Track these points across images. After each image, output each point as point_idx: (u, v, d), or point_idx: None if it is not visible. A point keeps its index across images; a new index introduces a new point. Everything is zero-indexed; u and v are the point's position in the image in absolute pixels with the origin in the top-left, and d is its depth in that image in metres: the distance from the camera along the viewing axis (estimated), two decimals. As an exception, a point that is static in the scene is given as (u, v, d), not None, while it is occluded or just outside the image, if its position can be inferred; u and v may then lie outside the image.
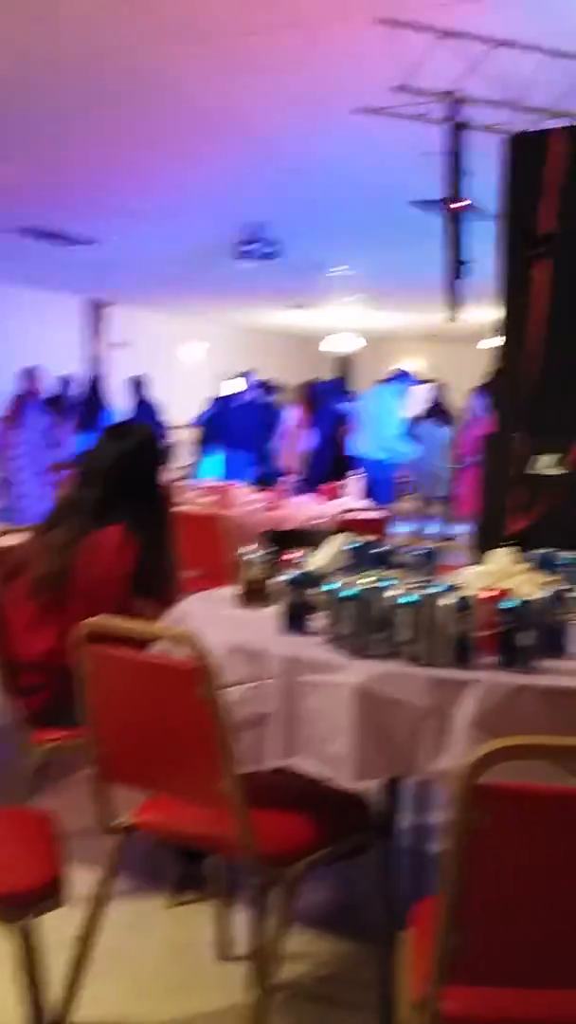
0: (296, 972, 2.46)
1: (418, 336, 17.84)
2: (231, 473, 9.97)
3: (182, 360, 16.24)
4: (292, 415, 10.62)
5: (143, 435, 3.04)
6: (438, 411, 12.42)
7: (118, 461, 2.92)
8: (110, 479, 2.89)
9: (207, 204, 8.31)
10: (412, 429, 12.29)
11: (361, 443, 8.86)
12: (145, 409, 11.04)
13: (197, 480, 7.97)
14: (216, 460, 10.77)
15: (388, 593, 2.19)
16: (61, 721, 2.73)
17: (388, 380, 9.08)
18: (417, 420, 12.33)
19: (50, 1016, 2.13)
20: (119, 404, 11.01)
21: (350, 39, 4.75)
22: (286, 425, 10.57)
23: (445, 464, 11.58)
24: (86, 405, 10.87)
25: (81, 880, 2.15)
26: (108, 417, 9.98)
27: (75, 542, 2.80)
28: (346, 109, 5.54)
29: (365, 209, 8.24)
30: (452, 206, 4.77)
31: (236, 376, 11.25)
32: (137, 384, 11.37)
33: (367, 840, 2.22)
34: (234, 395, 11.04)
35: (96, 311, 15.15)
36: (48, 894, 1.83)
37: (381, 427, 8.79)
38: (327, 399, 9.94)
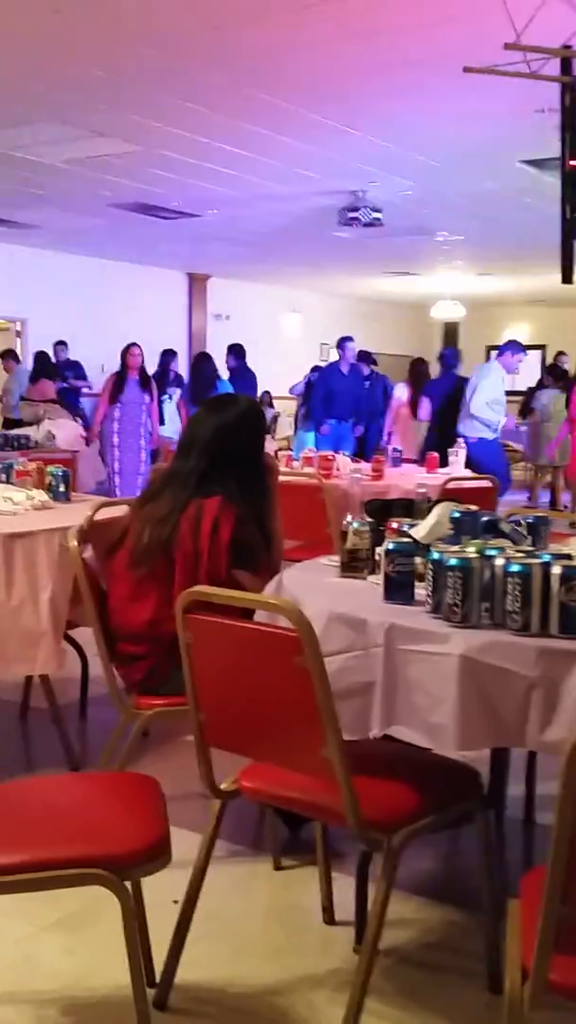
0: (401, 938, 2.46)
1: (525, 300, 17.46)
2: (330, 443, 9.94)
3: (284, 330, 16.24)
4: (402, 390, 10.47)
5: (243, 407, 3.03)
6: (554, 376, 12.14)
7: (217, 433, 2.93)
8: (209, 451, 2.90)
9: (311, 173, 8.26)
10: (527, 398, 12.07)
11: (469, 414, 8.73)
12: (242, 377, 11.05)
13: (299, 450, 7.96)
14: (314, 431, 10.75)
15: (495, 562, 2.16)
16: (163, 689, 2.78)
17: (499, 351, 8.88)
18: (532, 389, 12.11)
19: (155, 977, 2.19)
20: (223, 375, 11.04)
21: (456, -3, 4.64)
22: (395, 400, 10.45)
23: (556, 431, 11.34)
24: (193, 378, 10.93)
25: (185, 844, 2.19)
26: (217, 390, 9.98)
27: (175, 514, 2.83)
28: (453, 70, 5.42)
29: (473, 171, 8.08)
30: (570, 163, 4.60)
31: (335, 344, 11.17)
32: (235, 353, 11.38)
33: (474, 809, 2.20)
34: (332, 364, 10.96)
35: (198, 284, 15.25)
36: (153, 855, 1.87)
37: (486, 397, 8.62)
38: (441, 367, 9.78)
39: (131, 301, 13.57)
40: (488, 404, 8.59)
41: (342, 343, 10.63)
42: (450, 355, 10.02)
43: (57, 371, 11.37)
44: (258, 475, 3.01)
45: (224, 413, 2.99)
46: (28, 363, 12.60)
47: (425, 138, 7.17)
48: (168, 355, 10.96)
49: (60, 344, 12.10)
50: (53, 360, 11.67)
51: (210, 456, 2.90)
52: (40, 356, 11.40)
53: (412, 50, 5.37)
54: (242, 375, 11.05)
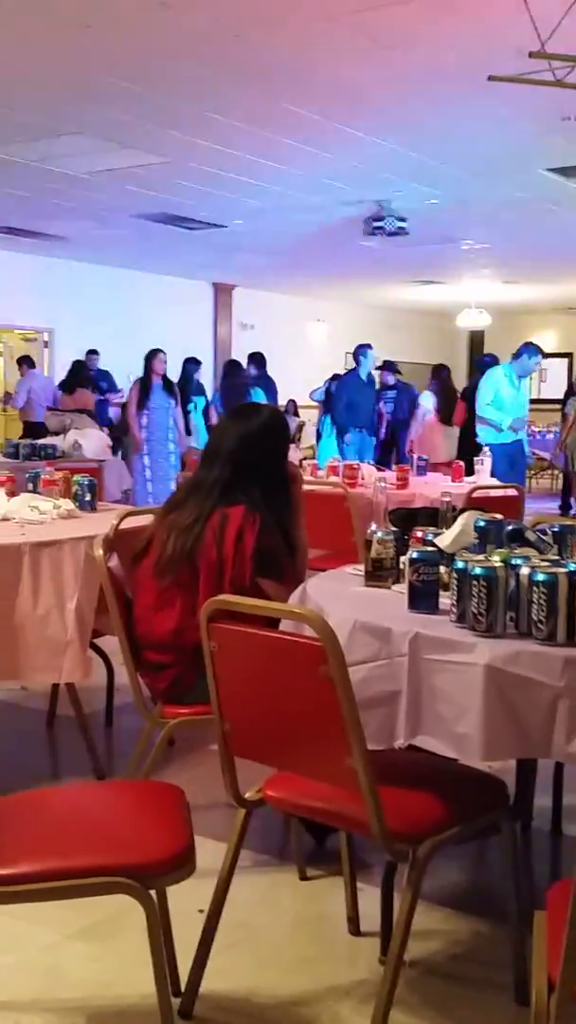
0: (427, 949, 2.45)
1: (552, 308, 17.40)
2: (353, 452, 9.93)
3: (309, 340, 16.27)
4: (428, 399, 10.47)
5: (266, 417, 3.04)
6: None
7: (240, 442, 2.94)
8: (233, 460, 2.91)
9: (336, 182, 8.29)
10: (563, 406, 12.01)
11: (488, 421, 8.72)
12: (263, 386, 11.04)
13: (323, 459, 7.97)
14: (333, 439, 10.74)
15: (521, 572, 2.15)
16: (188, 698, 2.78)
17: (515, 354, 8.85)
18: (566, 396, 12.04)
19: (180, 986, 2.18)
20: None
21: (481, 7, 4.64)
22: (421, 409, 10.44)
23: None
24: (225, 387, 10.94)
25: (209, 853, 2.19)
26: (250, 397, 9.99)
27: (199, 523, 2.83)
28: (478, 79, 5.42)
29: (499, 179, 8.07)
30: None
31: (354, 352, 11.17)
32: (256, 362, 11.37)
33: (501, 820, 2.19)
34: (352, 372, 10.95)
35: (224, 294, 15.31)
36: (178, 864, 1.87)
37: (486, 398, 8.60)
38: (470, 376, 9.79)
39: (157, 311, 13.64)
40: (488, 405, 8.58)
41: (362, 351, 10.60)
42: (489, 361, 10.01)
43: (91, 380, 11.42)
44: (282, 484, 3.01)
45: (247, 422, 3.00)
46: (56, 372, 12.70)
47: (450, 147, 7.17)
48: (191, 364, 10.99)
49: (92, 353, 12.15)
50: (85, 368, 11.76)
51: (234, 465, 2.91)
52: (76, 366, 11.45)
53: (437, 59, 5.38)
54: (263, 384, 11.06)
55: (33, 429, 10.54)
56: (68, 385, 11.11)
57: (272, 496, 2.92)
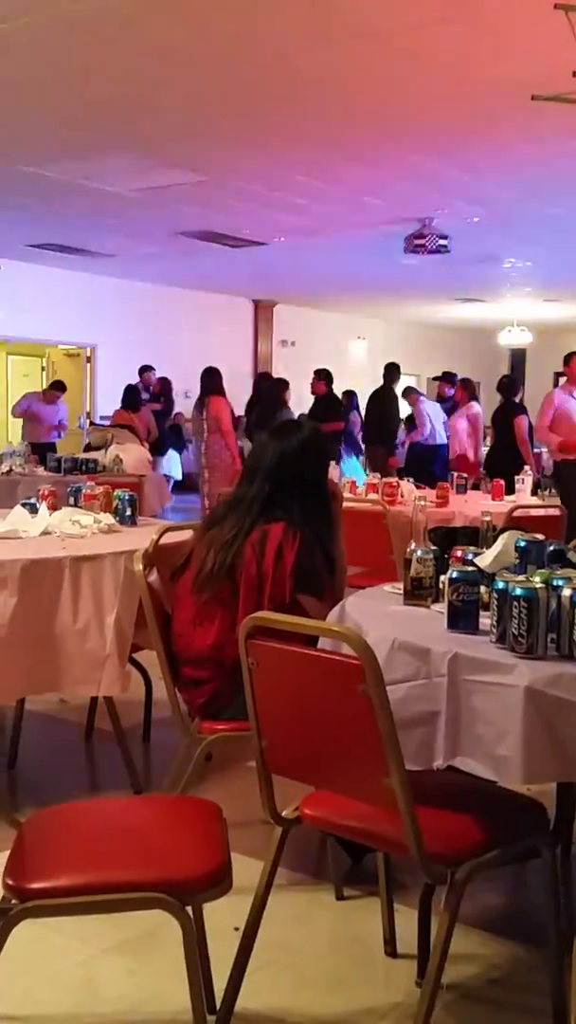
0: (464, 973, 2.42)
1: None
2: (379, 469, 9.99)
3: (350, 357, 16.28)
4: (461, 412, 10.49)
5: (306, 434, 3.04)
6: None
7: (279, 459, 2.95)
8: (272, 477, 2.92)
9: (378, 200, 8.31)
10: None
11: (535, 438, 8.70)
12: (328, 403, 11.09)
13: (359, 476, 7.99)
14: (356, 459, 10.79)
15: (562, 593, 2.13)
16: (226, 714, 2.79)
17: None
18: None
19: (215, 1004, 2.18)
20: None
21: (526, 26, 4.64)
22: (454, 422, 10.45)
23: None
24: (263, 404, 10.99)
25: (246, 870, 2.19)
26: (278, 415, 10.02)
27: (239, 539, 2.84)
28: (521, 98, 5.42)
29: (541, 197, 8.05)
30: None
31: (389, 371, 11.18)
32: (326, 379, 11.39)
33: (540, 844, 2.16)
34: (382, 389, 11.01)
35: (264, 311, 15.38)
36: (215, 881, 1.87)
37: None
38: (504, 393, 9.72)
39: (198, 328, 13.74)
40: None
41: (388, 372, 10.77)
42: (513, 380, 10.05)
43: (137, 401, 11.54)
44: (321, 501, 3.01)
45: (287, 439, 3.01)
46: (98, 388, 12.82)
47: (493, 165, 7.17)
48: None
49: (148, 369, 12.22)
50: (141, 386, 11.91)
51: (273, 482, 2.92)
52: (129, 389, 11.58)
53: (480, 78, 5.38)
54: (328, 401, 11.11)
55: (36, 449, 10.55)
56: (132, 403, 11.21)
57: (311, 513, 2.92)
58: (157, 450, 11.35)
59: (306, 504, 2.91)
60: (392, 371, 10.87)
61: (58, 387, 11.56)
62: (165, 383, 12.31)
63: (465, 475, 6.89)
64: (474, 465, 9.90)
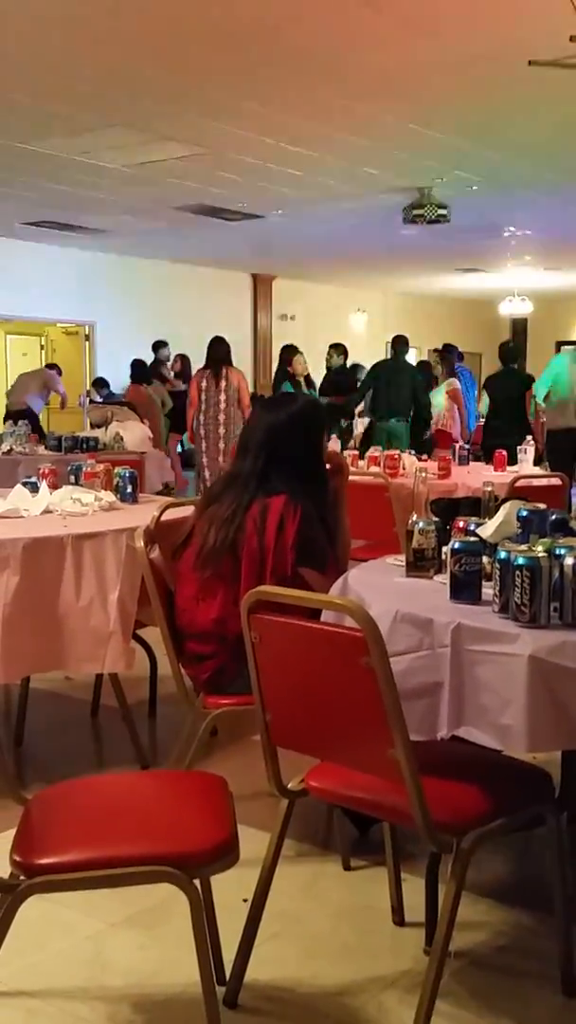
0: (472, 940, 2.44)
1: (595, 296, 17.21)
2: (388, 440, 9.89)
3: (350, 330, 16.21)
4: (440, 387, 10.41)
5: (296, 407, 3.03)
6: None
7: (269, 433, 2.94)
8: (263, 451, 2.91)
9: (376, 171, 8.24)
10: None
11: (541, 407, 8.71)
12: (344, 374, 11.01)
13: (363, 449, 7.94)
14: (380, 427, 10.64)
15: (565, 561, 2.13)
16: (230, 688, 2.79)
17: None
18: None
19: (225, 975, 2.19)
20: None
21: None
22: (451, 391, 10.36)
23: None
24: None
25: (252, 843, 2.19)
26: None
27: (238, 514, 2.84)
28: (518, 64, 5.36)
29: (540, 165, 7.98)
30: None
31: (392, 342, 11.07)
32: (344, 352, 11.31)
33: (546, 812, 2.17)
34: (387, 362, 10.91)
35: (263, 285, 15.30)
36: (222, 854, 1.87)
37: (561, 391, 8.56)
38: (506, 361, 9.64)
39: (197, 303, 13.68)
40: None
41: (394, 342, 10.65)
42: (513, 349, 9.96)
43: (149, 375, 11.51)
44: (316, 474, 3.00)
45: (276, 413, 3.00)
46: (97, 365, 12.78)
47: (491, 133, 7.10)
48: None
49: (162, 344, 12.17)
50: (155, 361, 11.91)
51: (265, 456, 2.91)
52: (139, 363, 11.55)
53: (477, 45, 5.32)
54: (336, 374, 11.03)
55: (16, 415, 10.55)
56: (142, 376, 11.15)
57: (307, 486, 2.91)
58: (177, 428, 11.25)
59: (301, 477, 2.90)
60: (400, 343, 10.61)
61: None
62: (185, 361, 12.24)
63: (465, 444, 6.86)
64: (455, 441, 9.79)
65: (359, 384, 10.47)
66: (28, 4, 4.81)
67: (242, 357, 13.07)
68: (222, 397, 8.93)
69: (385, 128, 6.99)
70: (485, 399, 9.81)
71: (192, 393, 9.17)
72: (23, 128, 7.07)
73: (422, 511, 2.71)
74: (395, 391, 9.62)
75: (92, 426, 9.27)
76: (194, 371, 9.70)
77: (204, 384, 9.00)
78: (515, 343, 10.26)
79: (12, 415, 10.59)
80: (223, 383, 8.91)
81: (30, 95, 6.30)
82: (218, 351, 9.05)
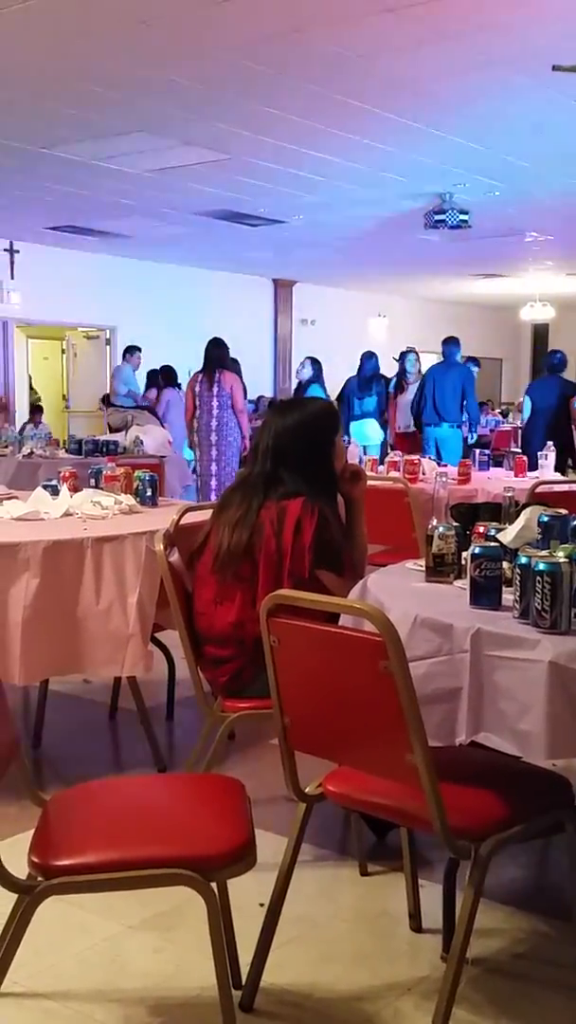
0: (490, 947, 2.43)
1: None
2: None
3: (371, 335, 16.20)
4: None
5: (306, 411, 3.03)
6: None
7: (277, 438, 2.94)
8: (272, 455, 2.92)
9: (397, 176, 8.24)
10: None
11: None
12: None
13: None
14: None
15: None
16: (248, 692, 2.79)
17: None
18: None
19: (241, 979, 2.19)
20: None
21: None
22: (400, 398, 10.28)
23: None
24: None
25: (269, 847, 2.19)
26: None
27: (249, 517, 2.84)
28: (541, 69, 5.35)
29: (562, 170, 7.96)
30: None
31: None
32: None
33: (565, 819, 2.16)
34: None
35: (284, 290, 15.32)
36: (239, 857, 1.87)
37: None
38: (556, 370, 9.60)
39: (218, 308, 13.70)
40: None
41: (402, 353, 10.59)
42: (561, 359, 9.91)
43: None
44: (326, 477, 2.99)
45: (285, 417, 3.00)
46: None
47: (513, 138, 7.09)
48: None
49: (135, 349, 12.23)
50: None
51: (273, 460, 2.91)
52: (167, 368, 11.63)
53: (499, 50, 5.31)
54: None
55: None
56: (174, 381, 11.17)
57: (318, 489, 2.90)
58: None
59: (311, 480, 2.90)
60: (451, 342, 10.37)
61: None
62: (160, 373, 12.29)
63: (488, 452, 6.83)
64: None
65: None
66: (54, 12, 4.83)
67: (262, 361, 13.11)
68: (215, 403, 8.83)
69: (406, 133, 6.98)
70: (527, 404, 9.80)
71: (188, 397, 9.11)
72: (48, 133, 7.11)
73: (442, 516, 2.71)
74: (441, 395, 9.56)
75: (111, 430, 9.30)
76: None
77: (198, 388, 8.93)
78: (562, 353, 10.17)
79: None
80: (216, 387, 8.80)
81: (55, 101, 6.33)
82: (213, 353, 8.92)
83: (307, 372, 10.29)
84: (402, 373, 10.50)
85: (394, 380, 10.51)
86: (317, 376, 10.23)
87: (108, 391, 11.96)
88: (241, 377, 9.40)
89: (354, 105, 6.33)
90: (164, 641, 3.81)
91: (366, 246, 11.77)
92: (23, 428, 10.60)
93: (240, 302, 14.35)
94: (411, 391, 10.09)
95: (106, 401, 11.61)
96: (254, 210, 9.77)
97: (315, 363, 10.39)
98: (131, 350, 11.76)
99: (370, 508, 3.16)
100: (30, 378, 15.09)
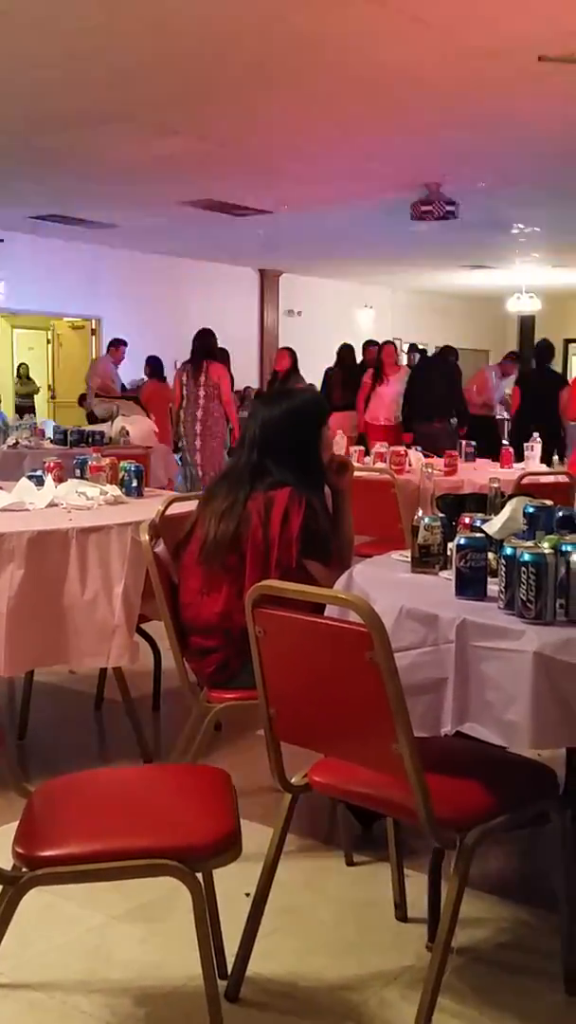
0: (475, 937, 2.43)
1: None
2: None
3: (357, 326, 16.19)
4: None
5: (292, 402, 3.03)
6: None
7: (263, 428, 2.94)
8: (258, 445, 2.92)
9: (384, 167, 8.22)
10: None
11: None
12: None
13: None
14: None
15: (571, 558, 2.12)
16: (234, 683, 2.79)
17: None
18: None
19: (227, 969, 2.19)
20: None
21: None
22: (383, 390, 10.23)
23: None
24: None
25: (255, 837, 2.19)
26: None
27: (236, 507, 2.84)
28: (528, 60, 5.35)
29: (548, 161, 7.96)
30: None
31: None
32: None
33: (550, 809, 2.16)
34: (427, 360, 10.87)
35: (270, 280, 15.29)
36: (224, 848, 1.87)
37: None
38: (541, 359, 9.63)
39: (204, 298, 13.67)
40: None
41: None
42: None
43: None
44: (313, 468, 2.99)
45: (271, 408, 3.00)
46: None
47: (500, 129, 7.08)
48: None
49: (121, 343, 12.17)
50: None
51: (259, 450, 2.91)
52: (154, 359, 11.57)
53: (486, 40, 5.30)
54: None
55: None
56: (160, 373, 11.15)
57: (305, 479, 2.90)
58: None
59: (297, 470, 2.89)
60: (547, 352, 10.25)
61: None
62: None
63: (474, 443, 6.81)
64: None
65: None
66: (38, 2, 4.80)
67: (248, 352, 13.08)
68: (201, 392, 8.75)
69: (392, 124, 6.97)
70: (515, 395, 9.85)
71: (175, 388, 9.07)
72: (29, 123, 7.07)
73: (428, 507, 2.71)
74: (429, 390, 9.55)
75: (97, 420, 9.26)
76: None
77: (184, 379, 8.88)
78: (549, 343, 10.16)
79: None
80: (202, 377, 8.73)
81: (35, 90, 6.29)
82: (199, 344, 8.86)
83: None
84: (379, 364, 10.39)
85: (374, 371, 10.40)
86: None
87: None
88: (229, 368, 9.37)
89: (340, 94, 6.32)
90: (150, 632, 3.81)
91: (353, 237, 11.76)
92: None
93: (226, 293, 14.32)
94: (394, 383, 10.01)
95: (81, 402, 11.57)
96: (240, 200, 9.74)
97: (292, 354, 10.43)
98: (115, 343, 11.66)
99: (357, 499, 3.16)
100: (21, 367, 15.05)
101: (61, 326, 14.25)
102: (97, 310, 13.09)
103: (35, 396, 14.90)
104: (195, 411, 8.84)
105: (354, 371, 10.59)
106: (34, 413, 11.88)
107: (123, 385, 11.83)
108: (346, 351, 10.97)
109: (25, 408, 12.98)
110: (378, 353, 10.20)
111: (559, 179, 8.56)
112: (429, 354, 12.79)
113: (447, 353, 10.56)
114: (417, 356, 11.63)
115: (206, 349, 8.86)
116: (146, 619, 3.49)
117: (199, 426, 8.82)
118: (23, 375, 15.02)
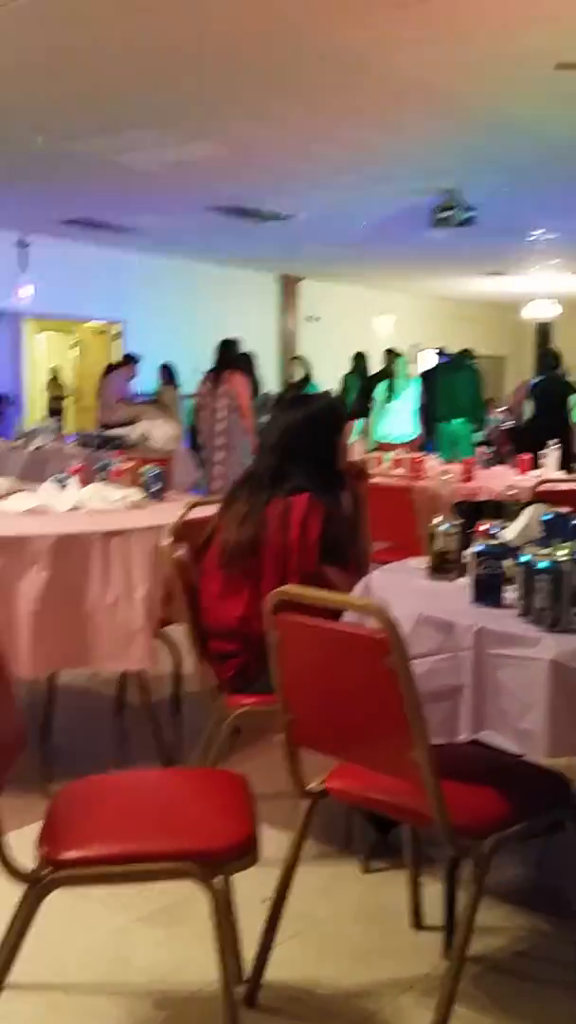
0: (491, 945, 2.44)
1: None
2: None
3: (376, 332, 16.18)
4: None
5: (312, 407, 3.05)
6: None
7: (283, 433, 2.97)
8: (279, 450, 2.94)
9: (401, 173, 8.22)
10: None
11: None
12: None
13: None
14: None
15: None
16: (253, 688, 2.80)
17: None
18: None
19: (244, 974, 2.21)
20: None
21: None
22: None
23: None
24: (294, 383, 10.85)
25: (272, 843, 2.21)
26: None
27: (255, 512, 2.86)
28: (546, 66, 5.35)
29: (568, 167, 7.94)
30: None
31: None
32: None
33: (566, 818, 2.17)
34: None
35: (290, 286, 15.30)
36: (242, 852, 1.89)
37: None
38: (550, 365, 9.60)
39: (224, 303, 13.69)
40: None
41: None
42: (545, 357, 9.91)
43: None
44: (331, 473, 3.01)
45: (292, 413, 3.02)
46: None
47: (519, 135, 7.08)
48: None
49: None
50: None
51: (279, 455, 2.93)
52: (166, 366, 11.61)
53: (506, 46, 5.31)
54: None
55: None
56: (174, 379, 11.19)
57: (325, 484, 2.92)
58: None
59: (316, 476, 2.91)
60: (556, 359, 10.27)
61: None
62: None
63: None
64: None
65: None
66: (61, 7, 4.84)
67: (267, 358, 13.06)
68: (220, 403, 8.74)
69: (414, 129, 6.98)
70: (529, 403, 9.80)
71: (197, 396, 9.13)
72: (56, 128, 7.11)
73: (446, 514, 2.72)
74: (451, 390, 9.56)
75: (120, 424, 9.31)
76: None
77: (201, 388, 8.92)
78: (551, 350, 10.13)
79: None
80: (222, 387, 8.72)
81: (63, 95, 6.34)
82: (222, 354, 8.87)
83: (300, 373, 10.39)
84: (392, 377, 10.35)
85: (385, 384, 10.31)
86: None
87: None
88: (253, 374, 9.35)
89: (361, 100, 6.33)
90: (171, 636, 3.83)
91: (372, 242, 11.76)
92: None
93: (246, 298, 14.34)
94: (407, 397, 10.00)
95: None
96: (262, 205, 9.77)
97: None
98: (128, 359, 11.62)
99: (374, 505, 3.18)
100: (53, 371, 15.07)
101: (82, 330, 14.31)
102: (121, 314, 13.14)
103: (63, 400, 14.92)
104: (213, 424, 8.88)
105: (367, 379, 10.60)
106: (60, 416, 11.87)
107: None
108: (359, 359, 10.98)
109: (55, 411, 13.01)
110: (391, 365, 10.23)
111: (577, 185, 8.55)
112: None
113: (466, 356, 10.55)
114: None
115: (227, 359, 8.87)
116: (167, 623, 3.51)
117: (220, 439, 8.87)
118: (55, 378, 15.06)
